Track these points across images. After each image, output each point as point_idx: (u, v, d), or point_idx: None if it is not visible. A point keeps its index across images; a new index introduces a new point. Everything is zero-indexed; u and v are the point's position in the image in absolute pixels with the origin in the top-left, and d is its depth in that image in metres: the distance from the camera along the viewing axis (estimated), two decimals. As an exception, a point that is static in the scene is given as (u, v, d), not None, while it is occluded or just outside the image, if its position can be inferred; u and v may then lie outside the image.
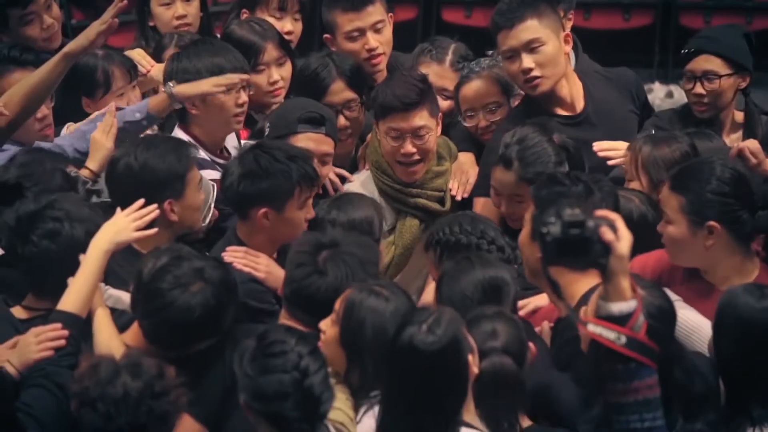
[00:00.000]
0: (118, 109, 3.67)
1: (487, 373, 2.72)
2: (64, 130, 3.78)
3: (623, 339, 2.60)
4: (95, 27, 3.52)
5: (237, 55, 3.67)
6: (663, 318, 2.74)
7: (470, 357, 2.63)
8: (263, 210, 3.19)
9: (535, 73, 3.60)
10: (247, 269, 3.20)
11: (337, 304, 2.85)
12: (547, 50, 3.59)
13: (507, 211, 3.48)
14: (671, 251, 3.19)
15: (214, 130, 3.65)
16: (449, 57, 3.97)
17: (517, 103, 3.81)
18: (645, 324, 2.61)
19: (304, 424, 2.66)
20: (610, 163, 3.57)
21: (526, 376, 2.80)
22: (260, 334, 2.73)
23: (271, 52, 3.90)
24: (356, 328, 2.81)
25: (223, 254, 3.24)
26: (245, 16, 4.16)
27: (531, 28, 3.59)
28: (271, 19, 4.13)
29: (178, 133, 3.71)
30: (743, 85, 3.93)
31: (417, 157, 3.66)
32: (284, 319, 3.03)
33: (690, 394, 2.78)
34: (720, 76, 3.86)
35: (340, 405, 2.81)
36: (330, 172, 3.70)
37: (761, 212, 3.21)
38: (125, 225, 2.97)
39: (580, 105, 3.74)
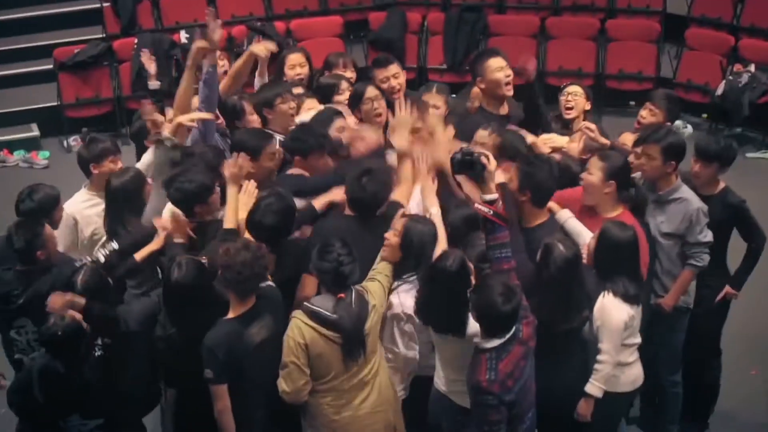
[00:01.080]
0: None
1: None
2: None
3: (491, 212, 3.70)
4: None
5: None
6: (571, 263, 3.80)
7: (471, 277, 3.70)
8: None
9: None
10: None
11: (399, 225, 3.90)
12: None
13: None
14: (586, 192, 4.25)
15: (282, 124, 5.04)
16: (435, 87, 5.43)
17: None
18: (504, 205, 3.72)
19: (336, 286, 3.74)
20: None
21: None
22: (323, 241, 3.77)
23: (344, 85, 5.56)
24: (409, 240, 3.89)
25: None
26: (327, 73, 5.96)
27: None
28: (340, 71, 5.87)
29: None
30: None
31: None
32: (347, 211, 4.16)
33: (581, 298, 3.88)
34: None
35: (382, 280, 3.89)
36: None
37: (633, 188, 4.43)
38: (244, 165, 4.23)
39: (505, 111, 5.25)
